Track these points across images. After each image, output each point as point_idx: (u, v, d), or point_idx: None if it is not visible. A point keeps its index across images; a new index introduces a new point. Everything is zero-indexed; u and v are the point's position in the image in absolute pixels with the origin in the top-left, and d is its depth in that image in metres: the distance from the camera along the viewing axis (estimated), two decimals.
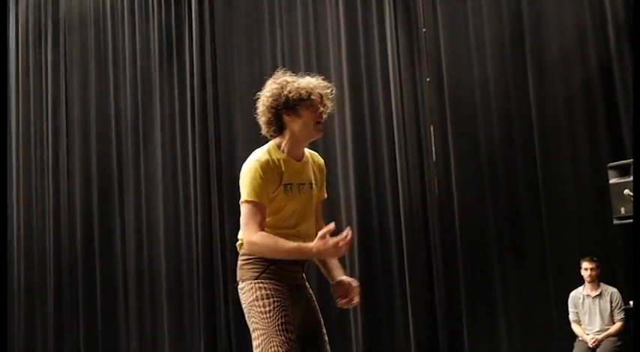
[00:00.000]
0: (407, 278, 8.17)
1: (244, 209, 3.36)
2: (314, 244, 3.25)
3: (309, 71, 8.66)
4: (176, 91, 9.64)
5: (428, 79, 8.45)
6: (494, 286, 7.99)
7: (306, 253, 3.31)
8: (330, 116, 8.71)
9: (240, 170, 3.46)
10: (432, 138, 8.35)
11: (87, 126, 10.07)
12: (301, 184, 3.50)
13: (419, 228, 8.25)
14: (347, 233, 3.24)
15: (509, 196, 8.05)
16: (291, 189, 3.41)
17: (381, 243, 8.47)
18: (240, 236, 3.45)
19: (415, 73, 8.49)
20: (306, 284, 3.57)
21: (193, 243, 9.23)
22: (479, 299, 8.06)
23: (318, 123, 3.47)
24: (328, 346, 3.54)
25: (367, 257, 8.44)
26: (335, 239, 3.22)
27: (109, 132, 9.95)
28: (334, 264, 3.63)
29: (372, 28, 8.72)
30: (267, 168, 3.35)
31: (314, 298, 3.58)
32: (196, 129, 9.38)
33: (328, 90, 3.51)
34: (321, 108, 3.46)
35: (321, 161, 3.71)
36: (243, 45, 9.47)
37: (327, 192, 3.75)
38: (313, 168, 3.61)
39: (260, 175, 3.34)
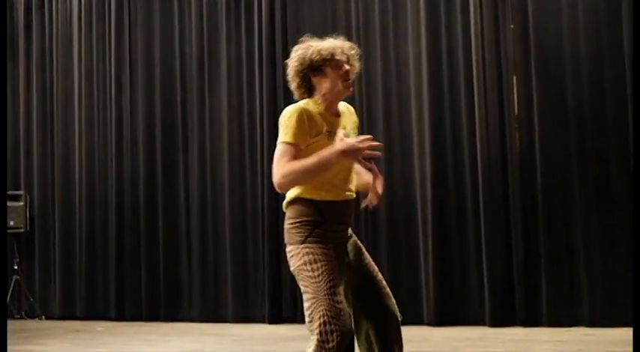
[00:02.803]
0: (483, 240, 7.98)
1: (277, 149, 3.50)
2: (336, 146, 3.36)
3: (383, 17, 8.47)
4: (243, 35, 9.38)
5: (512, 26, 8.19)
6: (577, 249, 7.77)
7: (332, 157, 3.36)
8: (405, 65, 8.48)
9: None
10: (515, 90, 8.14)
11: (151, 70, 9.87)
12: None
13: (497, 185, 8.05)
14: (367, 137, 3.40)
15: (597, 154, 7.82)
16: (332, 137, 3.50)
17: (456, 201, 8.27)
18: (286, 198, 3.63)
19: (498, 19, 8.24)
20: (353, 238, 3.69)
21: (259, 191, 9.07)
22: (560, 263, 7.82)
23: (347, 80, 3.58)
24: (387, 290, 3.64)
25: (442, 215, 8.25)
26: (355, 138, 3.41)
27: (173, 77, 9.75)
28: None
29: None
30: (307, 113, 3.48)
31: (363, 249, 3.69)
32: (264, 74, 9.15)
33: (353, 51, 3.65)
34: (347, 67, 3.58)
35: (356, 118, 3.84)
36: None
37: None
38: (350, 122, 3.75)
39: (298, 118, 3.46)
